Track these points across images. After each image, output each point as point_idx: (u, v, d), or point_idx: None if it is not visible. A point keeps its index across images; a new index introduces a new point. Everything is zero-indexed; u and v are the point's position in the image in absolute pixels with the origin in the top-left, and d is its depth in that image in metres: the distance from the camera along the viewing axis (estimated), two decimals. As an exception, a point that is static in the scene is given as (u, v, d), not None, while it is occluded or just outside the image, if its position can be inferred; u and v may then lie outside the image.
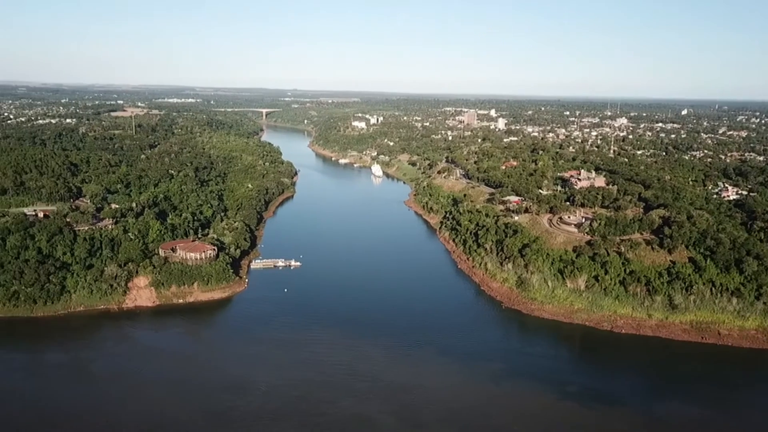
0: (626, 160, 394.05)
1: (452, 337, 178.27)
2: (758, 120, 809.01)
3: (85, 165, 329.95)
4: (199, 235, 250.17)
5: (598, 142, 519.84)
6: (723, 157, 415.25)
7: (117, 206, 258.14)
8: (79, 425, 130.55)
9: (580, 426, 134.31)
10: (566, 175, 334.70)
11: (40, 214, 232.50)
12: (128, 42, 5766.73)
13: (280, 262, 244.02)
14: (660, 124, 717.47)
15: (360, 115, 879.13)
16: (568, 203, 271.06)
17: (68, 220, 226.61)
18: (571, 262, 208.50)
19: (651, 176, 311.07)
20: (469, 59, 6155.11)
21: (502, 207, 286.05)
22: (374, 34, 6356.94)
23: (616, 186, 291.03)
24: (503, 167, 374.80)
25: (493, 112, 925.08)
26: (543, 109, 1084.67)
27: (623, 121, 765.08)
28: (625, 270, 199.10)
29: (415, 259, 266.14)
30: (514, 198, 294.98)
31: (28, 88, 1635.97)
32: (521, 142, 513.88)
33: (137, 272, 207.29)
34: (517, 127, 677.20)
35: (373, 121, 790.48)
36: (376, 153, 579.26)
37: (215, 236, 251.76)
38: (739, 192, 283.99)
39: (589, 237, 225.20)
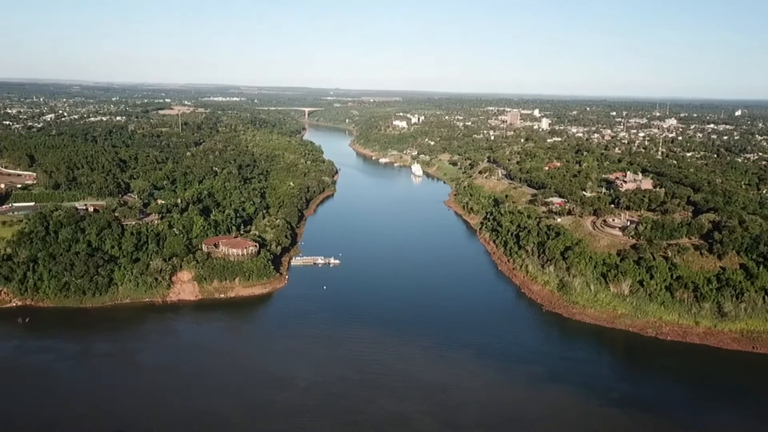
0: (675, 162, 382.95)
1: (491, 339, 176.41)
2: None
3: (133, 161, 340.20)
4: (242, 232, 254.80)
5: (646, 143, 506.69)
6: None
7: (163, 202, 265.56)
8: (129, 413, 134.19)
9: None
10: (611, 176, 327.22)
11: (91, 209, 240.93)
12: (176, 42, 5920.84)
13: (320, 260, 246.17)
14: (712, 125, 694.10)
15: (401, 114, 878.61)
16: (612, 206, 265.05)
17: (116, 214, 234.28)
18: (614, 266, 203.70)
19: (701, 179, 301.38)
20: (513, 59, 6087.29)
21: (544, 208, 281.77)
22: (417, 35, 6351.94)
23: (663, 189, 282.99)
24: (546, 168, 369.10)
25: (536, 112, 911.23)
26: (588, 109, 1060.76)
27: (672, 121, 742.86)
28: (671, 275, 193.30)
29: (454, 259, 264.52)
30: (557, 199, 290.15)
31: (82, 86, 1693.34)
32: (565, 142, 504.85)
33: (181, 267, 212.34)
34: (561, 128, 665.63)
35: (414, 120, 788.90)
36: (416, 152, 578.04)
37: (257, 233, 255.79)
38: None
39: (634, 241, 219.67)
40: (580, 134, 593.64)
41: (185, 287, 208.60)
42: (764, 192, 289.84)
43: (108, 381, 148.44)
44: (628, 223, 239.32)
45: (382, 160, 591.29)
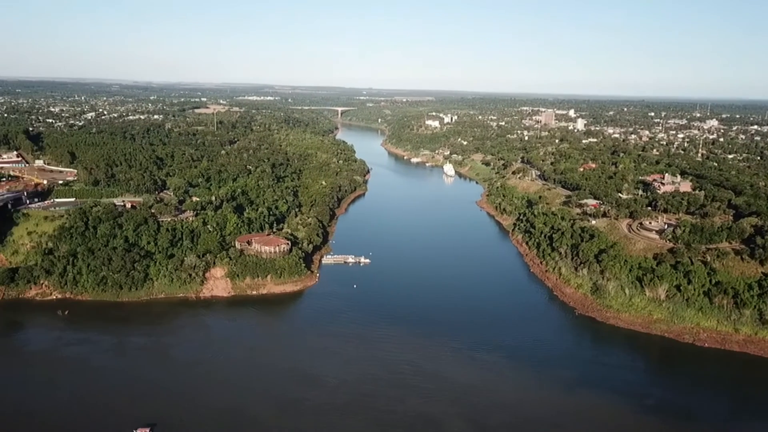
0: (715, 164, 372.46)
1: (522, 342, 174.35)
2: None
3: (169, 159, 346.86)
4: (274, 230, 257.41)
5: (685, 144, 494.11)
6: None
7: (197, 199, 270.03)
8: (161, 406, 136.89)
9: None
10: (649, 178, 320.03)
11: (128, 205, 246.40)
12: (212, 42, 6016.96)
13: (351, 259, 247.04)
14: (755, 127, 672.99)
15: (434, 114, 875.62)
16: (649, 208, 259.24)
17: (153, 211, 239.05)
18: (651, 270, 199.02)
19: (743, 182, 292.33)
20: (549, 58, 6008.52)
21: (578, 210, 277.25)
22: (451, 35, 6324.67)
23: (703, 191, 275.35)
24: (581, 169, 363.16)
25: (571, 113, 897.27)
26: (625, 109, 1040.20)
27: (713, 123, 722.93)
28: (710, 280, 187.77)
29: (485, 260, 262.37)
30: (591, 201, 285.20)
31: (121, 86, 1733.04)
32: (601, 143, 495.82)
33: (214, 263, 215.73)
34: (597, 128, 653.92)
35: (446, 120, 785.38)
36: (448, 152, 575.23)
37: (289, 231, 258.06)
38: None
39: (671, 244, 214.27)
40: (617, 135, 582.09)
41: (218, 283, 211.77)
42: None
43: (142, 374, 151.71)
44: (666, 226, 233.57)
45: (414, 160, 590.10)
